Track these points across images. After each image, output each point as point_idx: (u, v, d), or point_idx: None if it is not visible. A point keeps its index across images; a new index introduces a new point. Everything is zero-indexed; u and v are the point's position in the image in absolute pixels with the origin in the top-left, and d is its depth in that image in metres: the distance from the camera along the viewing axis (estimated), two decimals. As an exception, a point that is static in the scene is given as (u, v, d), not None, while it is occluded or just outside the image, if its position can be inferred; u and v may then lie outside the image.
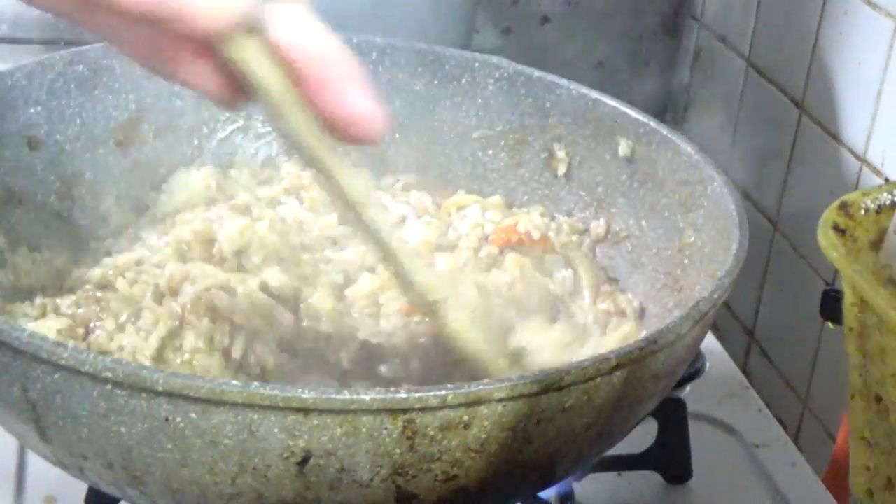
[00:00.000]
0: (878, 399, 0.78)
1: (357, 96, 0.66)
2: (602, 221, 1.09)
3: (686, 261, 1.00)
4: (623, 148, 1.07)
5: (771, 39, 1.58)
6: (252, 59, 0.65)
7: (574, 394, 0.73)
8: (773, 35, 1.58)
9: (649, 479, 1.06)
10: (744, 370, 1.46)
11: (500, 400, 0.70)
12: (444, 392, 0.69)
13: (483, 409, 0.70)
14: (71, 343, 0.84)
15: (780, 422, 1.20)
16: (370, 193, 0.74)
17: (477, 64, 1.15)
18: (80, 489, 0.88)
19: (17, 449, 1.00)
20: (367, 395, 0.68)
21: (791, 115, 1.51)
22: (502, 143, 1.15)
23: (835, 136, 1.42)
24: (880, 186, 0.86)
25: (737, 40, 1.66)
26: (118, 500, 0.82)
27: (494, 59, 1.16)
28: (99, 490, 0.80)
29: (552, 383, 0.71)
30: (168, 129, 1.12)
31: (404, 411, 0.69)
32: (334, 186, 0.71)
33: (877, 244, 0.84)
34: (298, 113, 0.66)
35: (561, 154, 1.12)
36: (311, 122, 0.67)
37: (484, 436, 0.71)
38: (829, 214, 0.83)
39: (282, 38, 0.65)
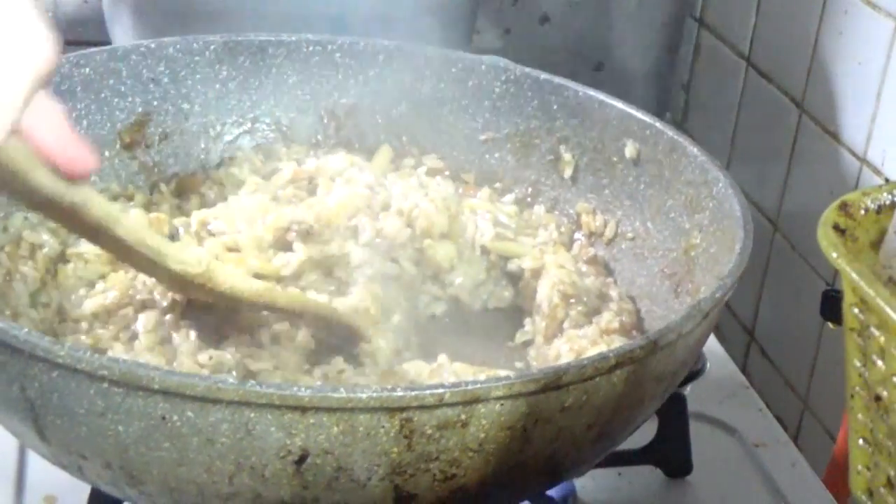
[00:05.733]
0: (878, 399, 0.78)
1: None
2: (609, 224, 1.09)
3: (691, 263, 0.99)
4: (629, 150, 1.07)
5: (771, 39, 1.58)
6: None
7: (573, 393, 0.72)
8: (773, 35, 1.57)
9: (650, 477, 1.06)
10: (744, 370, 1.46)
11: (499, 398, 0.70)
12: (441, 390, 0.68)
13: (481, 408, 0.70)
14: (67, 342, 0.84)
15: (780, 422, 1.19)
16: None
17: (483, 67, 1.15)
18: (81, 489, 0.87)
19: (17, 449, 1.00)
20: (364, 394, 0.67)
21: (791, 115, 1.51)
22: (509, 145, 1.15)
23: (835, 136, 1.41)
24: (880, 186, 0.85)
25: (737, 40, 1.66)
26: (122, 501, 0.82)
27: (501, 61, 1.16)
28: (102, 491, 0.80)
29: (551, 382, 0.71)
30: (175, 132, 1.12)
31: (401, 409, 0.68)
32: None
33: (877, 244, 0.83)
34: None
35: (567, 157, 1.12)
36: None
37: (482, 435, 0.71)
38: (829, 214, 0.83)
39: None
